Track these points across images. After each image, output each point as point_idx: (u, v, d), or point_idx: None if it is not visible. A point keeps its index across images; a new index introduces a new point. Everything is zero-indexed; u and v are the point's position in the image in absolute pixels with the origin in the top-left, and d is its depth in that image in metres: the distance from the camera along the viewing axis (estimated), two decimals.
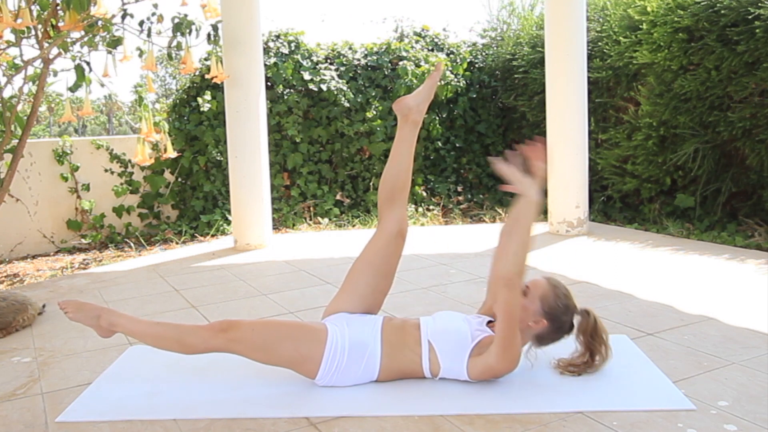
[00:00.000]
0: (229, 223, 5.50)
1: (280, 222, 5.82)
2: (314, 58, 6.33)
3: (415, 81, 6.27)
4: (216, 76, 4.39)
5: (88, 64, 3.77)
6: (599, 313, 2.91)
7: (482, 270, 3.84)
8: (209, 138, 5.74)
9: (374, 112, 6.28)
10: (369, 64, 6.54)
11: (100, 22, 3.66)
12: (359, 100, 6.28)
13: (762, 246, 4.19)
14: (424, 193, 6.36)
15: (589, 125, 5.06)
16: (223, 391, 2.21)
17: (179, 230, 5.54)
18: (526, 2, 7.30)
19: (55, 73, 3.80)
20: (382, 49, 6.65)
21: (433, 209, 6.14)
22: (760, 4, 4.26)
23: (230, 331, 2.13)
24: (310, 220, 5.88)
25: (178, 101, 5.95)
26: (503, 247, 2.20)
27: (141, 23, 4.00)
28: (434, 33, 7.18)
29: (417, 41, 6.99)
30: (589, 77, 4.90)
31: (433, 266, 3.99)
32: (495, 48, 7.09)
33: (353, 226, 5.78)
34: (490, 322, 2.24)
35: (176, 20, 4.09)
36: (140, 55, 4.06)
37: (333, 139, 6.29)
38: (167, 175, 5.79)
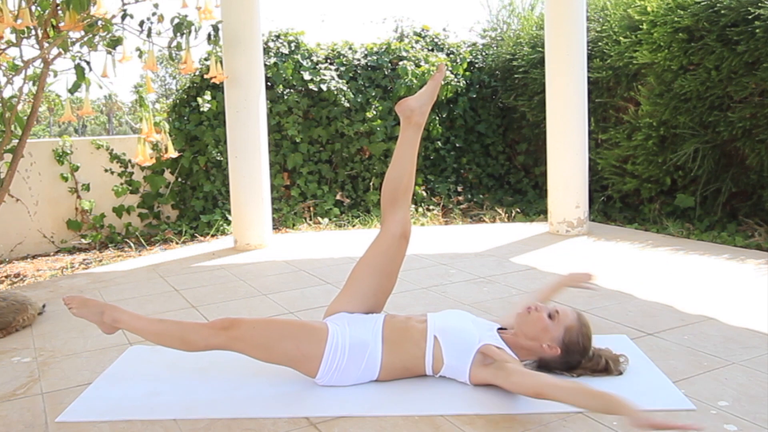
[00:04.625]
0: (229, 223, 5.50)
1: (280, 222, 5.82)
2: (314, 58, 6.33)
3: (415, 81, 6.27)
4: (215, 77, 4.39)
5: (88, 64, 3.77)
6: (599, 313, 2.93)
7: (482, 270, 3.84)
8: (209, 138, 5.74)
9: (374, 112, 6.28)
10: (369, 64, 6.54)
11: (100, 22, 3.66)
12: (359, 100, 6.28)
13: (762, 246, 4.19)
14: (424, 193, 6.36)
15: (589, 125, 5.06)
16: (223, 391, 2.20)
17: (179, 230, 5.54)
18: (526, 2, 7.31)
19: (55, 74, 3.80)
20: (382, 49, 6.65)
21: (433, 209, 6.14)
22: (760, 4, 4.26)
23: (231, 329, 2.13)
24: (310, 220, 5.88)
25: (178, 101, 5.95)
26: None
27: (141, 23, 4.00)
28: (434, 33, 7.18)
29: (417, 41, 6.99)
30: (589, 77, 4.90)
31: (433, 266, 3.99)
32: (495, 48, 7.09)
33: (353, 226, 5.78)
34: (500, 329, 2.24)
35: (176, 21, 4.09)
36: (140, 56, 4.06)
37: (333, 139, 6.29)
38: (167, 175, 5.79)
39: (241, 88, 4.60)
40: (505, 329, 2.24)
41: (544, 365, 2.18)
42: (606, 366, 2.20)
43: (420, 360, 2.17)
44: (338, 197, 6.17)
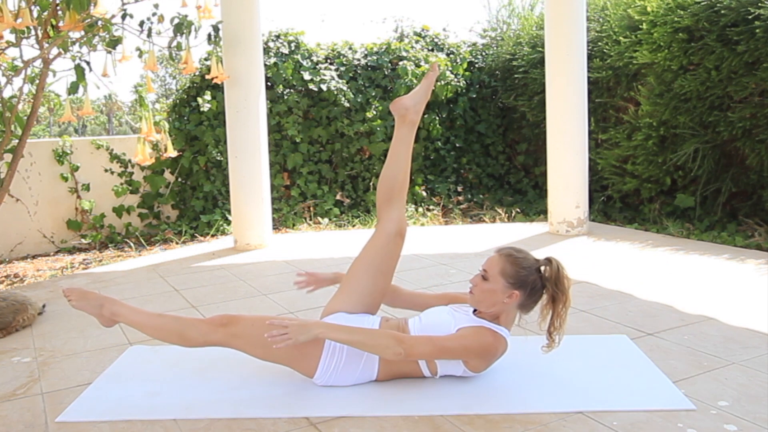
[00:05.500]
0: (229, 223, 5.50)
1: (280, 222, 5.82)
2: (314, 58, 6.33)
3: (415, 81, 6.27)
4: (216, 77, 4.39)
5: (88, 64, 3.77)
6: (599, 313, 2.93)
7: None
8: (209, 138, 5.74)
9: (374, 112, 6.28)
10: (369, 64, 6.54)
11: (99, 22, 3.66)
12: (359, 100, 6.28)
13: (762, 246, 4.19)
14: (424, 193, 6.36)
15: (589, 125, 5.06)
16: (223, 391, 2.21)
17: (179, 230, 5.54)
18: (526, 2, 7.31)
19: (54, 74, 3.80)
20: (382, 49, 6.65)
21: (433, 209, 6.13)
22: (760, 4, 4.26)
23: (230, 326, 2.14)
24: (310, 220, 5.88)
25: (178, 101, 5.95)
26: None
27: (141, 23, 4.00)
28: (434, 33, 7.18)
29: (417, 41, 6.99)
30: (589, 77, 4.90)
31: (433, 266, 3.99)
32: (495, 48, 7.09)
33: (353, 226, 5.78)
34: (475, 310, 2.23)
35: (176, 20, 4.09)
36: (140, 56, 4.06)
37: (333, 139, 6.29)
38: (167, 175, 5.79)
39: (241, 88, 4.60)
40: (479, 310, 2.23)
41: (527, 309, 2.20)
42: (558, 266, 2.18)
43: (415, 364, 2.18)
44: (338, 197, 6.17)
